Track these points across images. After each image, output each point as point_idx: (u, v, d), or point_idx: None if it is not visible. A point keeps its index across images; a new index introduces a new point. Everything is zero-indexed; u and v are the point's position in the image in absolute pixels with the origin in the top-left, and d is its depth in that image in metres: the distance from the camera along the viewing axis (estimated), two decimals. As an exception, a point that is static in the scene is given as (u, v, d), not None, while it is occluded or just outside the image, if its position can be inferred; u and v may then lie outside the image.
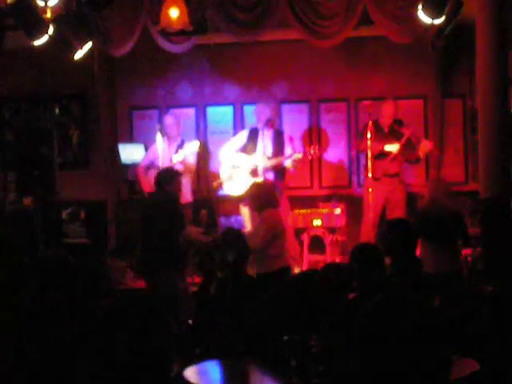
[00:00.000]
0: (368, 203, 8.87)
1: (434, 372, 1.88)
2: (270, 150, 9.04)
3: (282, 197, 8.91)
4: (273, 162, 8.96)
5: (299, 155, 8.90)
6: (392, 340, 1.87)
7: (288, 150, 9.04)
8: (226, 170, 9.22)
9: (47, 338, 3.43)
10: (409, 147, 8.95)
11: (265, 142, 9.07)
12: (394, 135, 9.00)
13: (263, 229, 7.06)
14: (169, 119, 9.42)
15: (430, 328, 1.89)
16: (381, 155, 8.92)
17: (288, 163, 8.94)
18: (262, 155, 8.99)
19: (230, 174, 9.18)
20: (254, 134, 9.13)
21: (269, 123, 9.11)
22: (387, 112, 9.12)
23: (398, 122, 9.14)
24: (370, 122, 8.80)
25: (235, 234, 6.10)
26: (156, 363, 2.32)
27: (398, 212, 8.78)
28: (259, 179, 8.82)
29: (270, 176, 9.00)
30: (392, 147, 8.92)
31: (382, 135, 8.96)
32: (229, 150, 9.24)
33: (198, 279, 8.44)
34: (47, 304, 3.60)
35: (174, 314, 6.60)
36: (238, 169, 9.09)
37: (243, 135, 9.27)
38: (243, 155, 9.10)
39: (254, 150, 9.06)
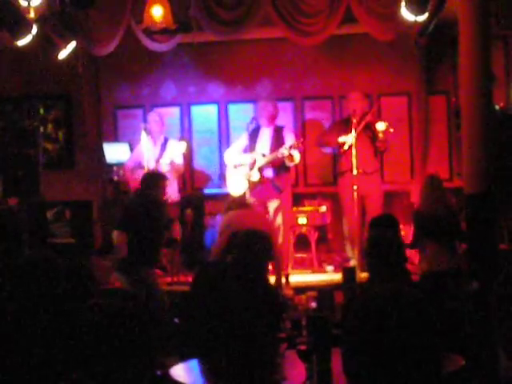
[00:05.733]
0: (345, 202, 8.91)
1: (424, 369, 1.89)
2: (267, 147, 8.89)
3: (283, 195, 8.89)
4: (269, 158, 8.75)
5: (295, 142, 8.59)
6: (383, 337, 1.88)
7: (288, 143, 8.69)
8: (229, 171, 9.10)
9: (30, 340, 3.44)
10: (373, 133, 8.90)
11: (264, 140, 8.97)
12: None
13: None
14: (152, 116, 9.40)
15: (421, 324, 1.90)
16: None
17: (285, 153, 8.53)
18: (258, 153, 8.84)
19: (231, 174, 9.05)
20: (254, 134, 9.06)
21: (271, 120, 9.00)
22: (355, 99, 9.10)
23: (366, 113, 9.08)
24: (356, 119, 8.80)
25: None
26: (141, 362, 2.32)
27: (375, 210, 8.69)
28: (257, 177, 8.74)
29: (269, 173, 8.84)
30: (353, 134, 8.79)
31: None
32: (231, 152, 9.15)
33: (183, 278, 8.45)
34: (33, 305, 3.60)
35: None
36: (238, 168, 8.96)
37: (245, 136, 9.11)
38: (244, 155, 8.98)
39: (254, 149, 8.95)
